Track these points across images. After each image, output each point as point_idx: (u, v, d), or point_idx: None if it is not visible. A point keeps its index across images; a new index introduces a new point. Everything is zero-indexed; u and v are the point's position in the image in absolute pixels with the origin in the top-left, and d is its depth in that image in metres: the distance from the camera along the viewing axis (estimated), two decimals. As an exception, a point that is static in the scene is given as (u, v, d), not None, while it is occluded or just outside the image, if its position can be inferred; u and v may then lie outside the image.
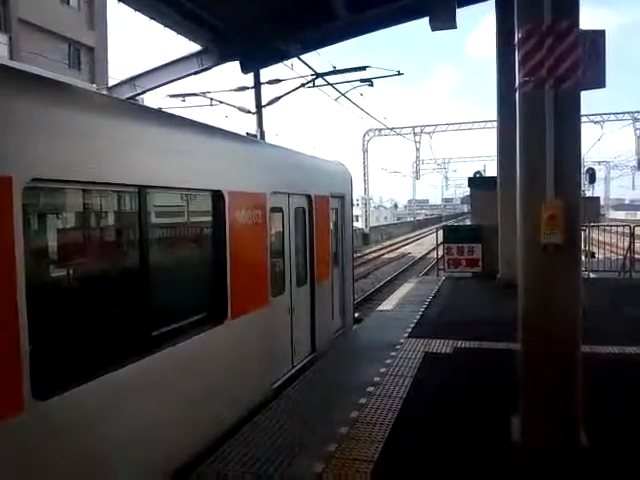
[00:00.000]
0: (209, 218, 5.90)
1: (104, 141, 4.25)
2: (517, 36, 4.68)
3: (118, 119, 4.64)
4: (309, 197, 8.54)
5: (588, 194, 29.88)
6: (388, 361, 7.77)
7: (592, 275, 16.02)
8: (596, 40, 4.61)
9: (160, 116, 5.60)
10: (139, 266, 4.61)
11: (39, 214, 3.99)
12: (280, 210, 7.59)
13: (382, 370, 7.36)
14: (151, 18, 13.48)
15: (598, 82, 4.73)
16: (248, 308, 6.34)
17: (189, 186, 5.44)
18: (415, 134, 52.86)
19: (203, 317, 5.58)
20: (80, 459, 3.87)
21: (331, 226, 9.74)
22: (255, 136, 9.00)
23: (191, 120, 6.08)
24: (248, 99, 15.14)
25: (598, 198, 22.57)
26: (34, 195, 3.71)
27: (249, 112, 13.57)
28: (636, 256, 17.41)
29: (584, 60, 4.56)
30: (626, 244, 17.94)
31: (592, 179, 28.46)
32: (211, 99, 13.07)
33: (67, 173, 3.86)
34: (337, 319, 10.06)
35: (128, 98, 13.75)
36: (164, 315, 4.95)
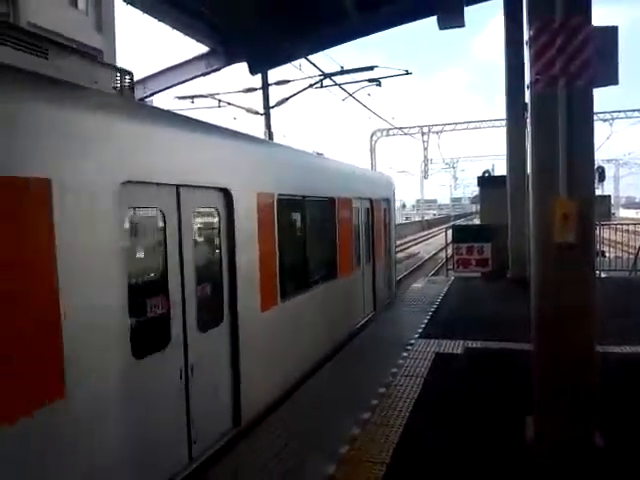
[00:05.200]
0: (328, 215, 9.38)
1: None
2: (528, 34, 4.62)
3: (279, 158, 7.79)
4: (371, 200, 11.98)
5: (598, 192, 29.63)
6: (399, 362, 7.76)
7: (602, 274, 15.88)
8: (609, 36, 4.54)
9: (304, 156, 9.09)
10: (304, 244, 8.26)
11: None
12: (358, 210, 11.04)
13: (394, 370, 7.36)
14: (159, 20, 13.53)
15: (610, 79, 4.65)
16: (346, 272, 9.99)
17: (322, 195, 9.04)
18: (423, 134, 52.61)
19: (327, 274, 9.17)
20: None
21: (383, 221, 13.11)
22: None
23: (318, 153, 10.30)
24: (256, 100, 15.14)
25: (609, 196, 22.36)
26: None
27: (257, 113, 13.59)
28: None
29: (596, 57, 4.50)
30: (637, 243, 17.79)
31: (601, 177, 28.14)
32: (219, 101, 13.10)
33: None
34: (386, 290, 13.24)
35: (138, 100, 13.79)
36: (313, 271, 8.55)
